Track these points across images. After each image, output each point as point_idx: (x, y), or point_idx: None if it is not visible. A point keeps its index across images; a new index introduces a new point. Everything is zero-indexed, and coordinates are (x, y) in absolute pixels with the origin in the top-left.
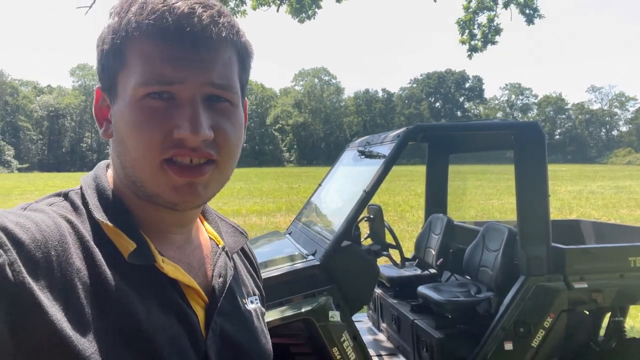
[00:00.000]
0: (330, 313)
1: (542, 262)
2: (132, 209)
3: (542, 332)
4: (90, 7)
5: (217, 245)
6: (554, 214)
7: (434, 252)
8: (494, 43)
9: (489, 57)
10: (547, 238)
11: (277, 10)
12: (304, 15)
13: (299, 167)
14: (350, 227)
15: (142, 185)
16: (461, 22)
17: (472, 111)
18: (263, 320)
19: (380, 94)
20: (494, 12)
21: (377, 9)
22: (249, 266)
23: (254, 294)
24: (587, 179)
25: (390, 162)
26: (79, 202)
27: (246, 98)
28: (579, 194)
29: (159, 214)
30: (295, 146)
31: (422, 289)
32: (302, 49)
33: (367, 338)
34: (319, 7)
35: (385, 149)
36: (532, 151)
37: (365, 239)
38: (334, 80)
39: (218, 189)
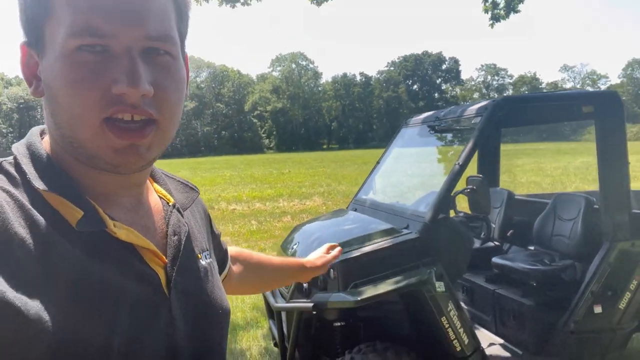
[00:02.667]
0: (437, 284)
1: (625, 228)
2: (73, 174)
3: (628, 295)
4: None
5: (168, 203)
6: (548, 190)
7: (494, 225)
8: (516, 11)
9: (465, 38)
10: (629, 205)
11: None
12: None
13: (280, 153)
14: (446, 200)
15: (81, 146)
16: None
17: (449, 93)
18: (217, 274)
19: (358, 78)
20: None
21: None
22: (199, 220)
23: (207, 249)
24: (567, 155)
25: (481, 134)
26: (14, 172)
27: (186, 52)
28: (565, 169)
29: (103, 177)
30: (274, 132)
31: (497, 259)
32: (278, 34)
33: None
34: None
35: (469, 124)
36: (613, 121)
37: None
38: (311, 65)
39: (161, 150)
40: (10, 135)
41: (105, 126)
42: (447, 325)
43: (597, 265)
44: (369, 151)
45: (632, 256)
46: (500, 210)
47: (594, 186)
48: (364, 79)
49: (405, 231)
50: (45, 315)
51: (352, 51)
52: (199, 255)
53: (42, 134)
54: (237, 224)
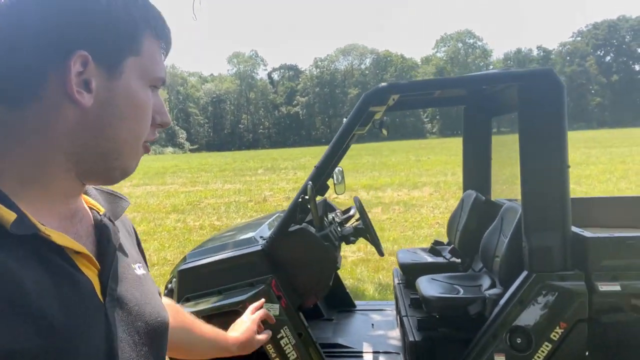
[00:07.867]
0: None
1: (553, 254)
2: (5, 184)
3: (547, 346)
4: None
5: (99, 213)
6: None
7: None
8: None
9: None
10: (563, 222)
11: None
12: None
13: (442, 138)
14: (295, 209)
15: (120, 158)
16: None
17: None
18: (154, 285)
19: (535, 52)
20: None
21: None
22: (130, 233)
23: (139, 261)
24: None
25: (344, 133)
26: None
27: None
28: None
29: (73, 187)
30: (437, 117)
31: (420, 280)
32: (443, 13)
33: (381, 331)
34: None
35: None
36: (544, 107)
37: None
38: (479, 43)
39: None
40: (206, 125)
41: (142, 146)
42: (273, 355)
43: (505, 301)
44: None
45: (559, 294)
46: (462, 218)
47: None
48: (542, 53)
49: (257, 243)
50: None
51: (528, 24)
52: (133, 265)
53: None
54: None
